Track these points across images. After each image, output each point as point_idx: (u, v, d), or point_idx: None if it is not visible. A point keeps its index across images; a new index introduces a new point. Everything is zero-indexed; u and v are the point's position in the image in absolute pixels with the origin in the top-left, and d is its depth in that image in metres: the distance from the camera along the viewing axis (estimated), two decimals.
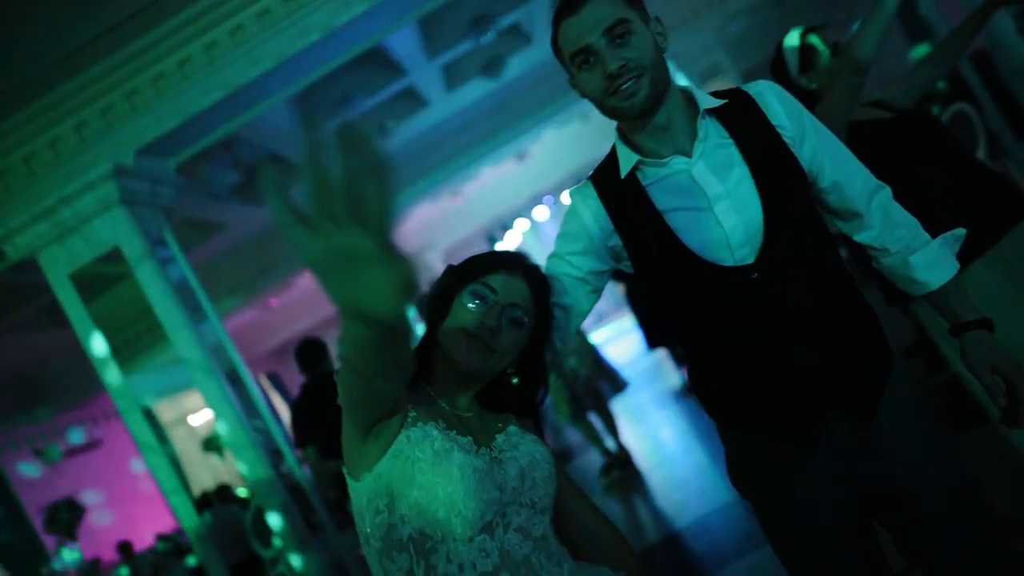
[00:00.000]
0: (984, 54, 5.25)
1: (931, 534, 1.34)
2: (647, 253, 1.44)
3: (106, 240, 4.54)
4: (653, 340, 7.81)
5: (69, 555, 8.45)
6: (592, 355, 5.97)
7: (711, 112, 1.41)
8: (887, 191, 1.48)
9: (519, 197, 13.43)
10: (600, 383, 5.86)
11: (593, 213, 1.47)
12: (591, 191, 1.49)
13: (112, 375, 4.56)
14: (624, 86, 1.34)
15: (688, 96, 1.44)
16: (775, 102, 1.42)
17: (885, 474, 1.36)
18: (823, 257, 1.42)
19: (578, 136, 12.81)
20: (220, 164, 6.86)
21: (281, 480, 4.62)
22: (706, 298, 1.40)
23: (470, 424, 1.28)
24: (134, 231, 4.46)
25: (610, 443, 5.84)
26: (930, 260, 1.43)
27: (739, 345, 1.40)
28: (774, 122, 1.40)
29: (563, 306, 1.48)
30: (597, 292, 1.53)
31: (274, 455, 4.64)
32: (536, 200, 14.00)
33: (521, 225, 14.29)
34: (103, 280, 5.32)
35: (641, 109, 1.36)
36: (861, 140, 2.16)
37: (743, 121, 1.41)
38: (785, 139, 1.40)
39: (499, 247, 13.57)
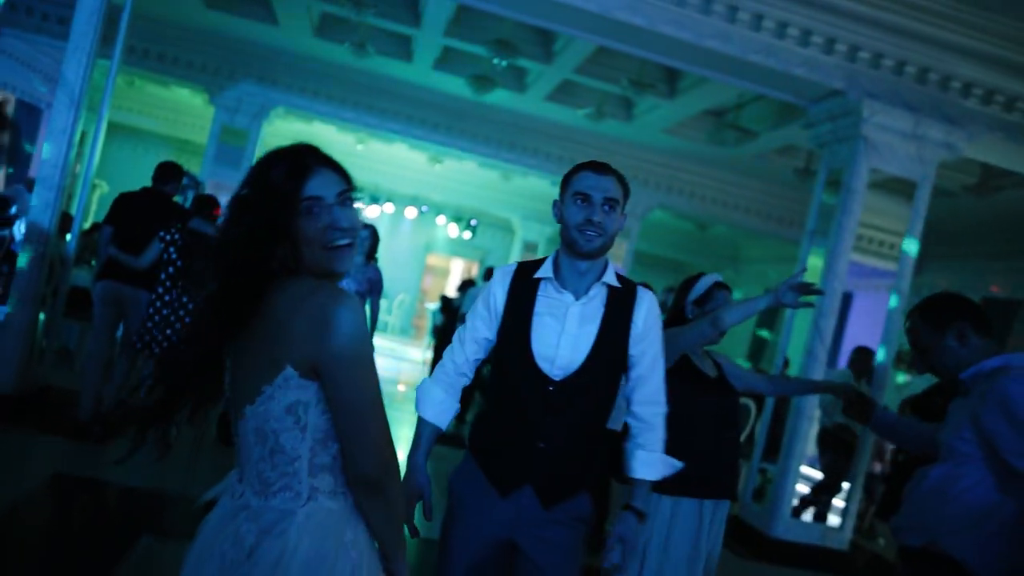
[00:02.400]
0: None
1: None
2: (508, 330, 2.03)
3: None
4: None
5: None
6: None
7: (607, 285, 2.02)
8: (664, 410, 2.08)
9: (405, 187, 13.50)
10: None
11: (503, 291, 2.05)
12: (511, 273, 2.07)
13: None
14: (590, 232, 1.94)
15: (605, 266, 2.04)
16: (643, 309, 2.02)
17: (530, 536, 1.96)
18: (600, 409, 2.03)
19: (490, 184, 13.25)
20: None
21: (48, 242, 4.38)
22: (517, 377, 1.99)
23: None
24: None
25: None
26: (649, 460, 2.05)
27: (513, 413, 1.99)
28: (633, 318, 2.01)
29: (478, 360, 2.09)
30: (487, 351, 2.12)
31: (64, 218, 4.42)
32: (416, 200, 14.16)
33: (386, 208, 14.32)
34: None
35: (585, 253, 1.96)
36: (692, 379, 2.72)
37: (618, 303, 2.02)
38: (631, 331, 2.01)
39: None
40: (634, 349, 2.01)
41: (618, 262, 10.18)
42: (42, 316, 4.59)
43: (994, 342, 2.21)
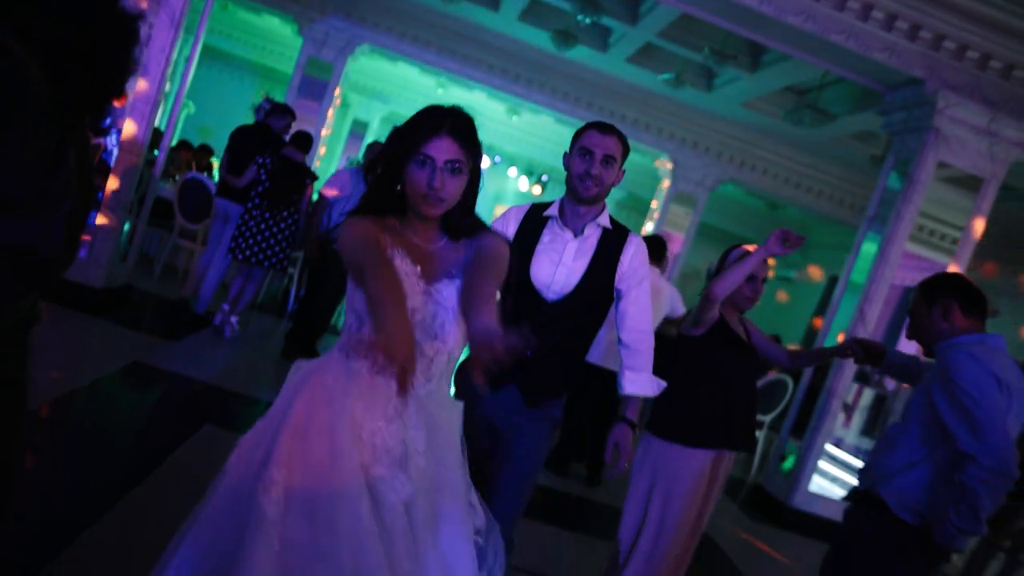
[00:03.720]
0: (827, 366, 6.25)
1: (505, 460, 2.31)
2: (514, 255, 2.27)
3: None
4: None
5: None
6: None
7: (602, 227, 2.33)
8: (649, 337, 2.40)
9: (480, 135, 13.52)
10: None
11: (516, 222, 2.38)
12: (525, 209, 2.41)
13: None
14: (588, 182, 2.27)
15: (601, 210, 2.36)
16: (631, 250, 2.34)
17: (508, 422, 2.31)
18: (581, 331, 2.36)
19: (564, 140, 13.06)
20: None
21: (141, 154, 4.76)
22: (516, 295, 2.19)
23: (431, 255, 1.69)
24: None
25: None
26: (637, 379, 2.40)
27: (509, 324, 2.24)
28: (620, 259, 2.33)
29: None
30: None
31: (154, 134, 4.76)
32: (490, 150, 14.31)
33: None
34: None
35: (583, 200, 2.30)
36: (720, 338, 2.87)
37: (610, 243, 2.34)
38: (618, 268, 2.33)
39: None
40: (620, 284, 2.35)
41: (682, 232, 10.18)
42: (127, 223, 5.02)
43: (980, 323, 2.36)
